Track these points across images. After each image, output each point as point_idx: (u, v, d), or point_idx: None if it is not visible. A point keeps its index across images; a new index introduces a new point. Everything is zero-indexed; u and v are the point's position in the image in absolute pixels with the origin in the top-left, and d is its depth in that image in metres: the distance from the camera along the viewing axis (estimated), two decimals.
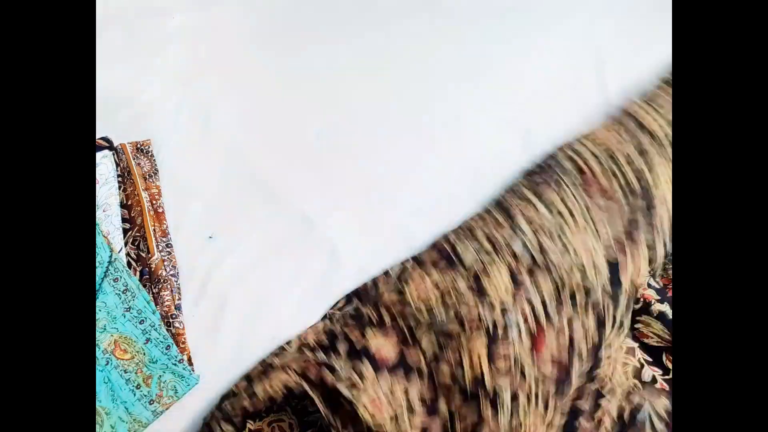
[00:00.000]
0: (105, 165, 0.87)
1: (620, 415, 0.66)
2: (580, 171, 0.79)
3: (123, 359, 0.71)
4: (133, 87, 1.01)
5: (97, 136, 0.91)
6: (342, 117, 1.00)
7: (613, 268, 0.71)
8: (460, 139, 0.96)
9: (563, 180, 0.78)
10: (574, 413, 0.65)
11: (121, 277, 0.76)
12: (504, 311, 0.68)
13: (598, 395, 0.66)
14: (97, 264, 0.76)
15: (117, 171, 0.88)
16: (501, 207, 0.79)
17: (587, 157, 0.80)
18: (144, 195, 0.87)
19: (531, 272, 0.70)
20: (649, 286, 0.72)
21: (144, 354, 0.72)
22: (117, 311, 0.74)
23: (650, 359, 0.69)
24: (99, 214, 0.82)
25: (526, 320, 0.68)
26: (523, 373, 0.65)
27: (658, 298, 0.71)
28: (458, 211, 0.87)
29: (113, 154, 0.89)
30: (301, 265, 0.83)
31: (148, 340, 0.73)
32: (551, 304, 0.68)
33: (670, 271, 0.75)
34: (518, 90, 1.02)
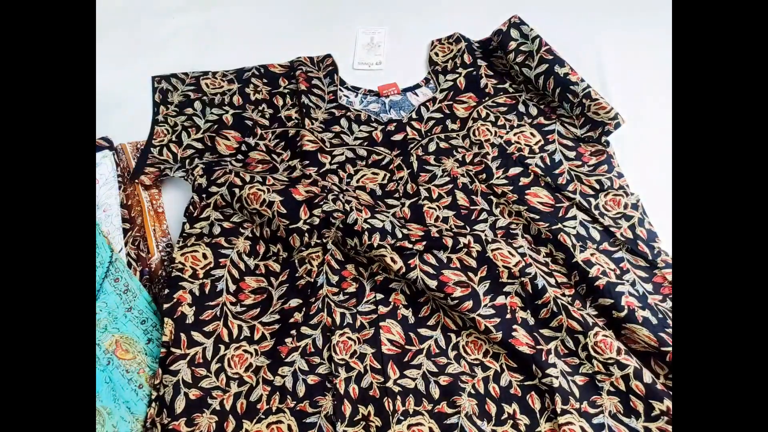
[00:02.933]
0: (105, 165, 0.87)
1: None
2: None
3: (125, 359, 0.72)
4: (134, 87, 1.01)
5: (97, 136, 0.91)
6: None
7: None
8: None
9: None
10: None
11: (122, 278, 0.76)
12: None
13: None
14: (97, 264, 0.76)
15: (117, 171, 0.88)
16: None
17: None
18: (144, 195, 0.87)
19: None
20: (631, 294, 0.72)
21: (146, 354, 0.72)
22: (118, 311, 0.74)
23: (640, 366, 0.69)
24: (99, 214, 0.83)
25: None
26: None
27: (640, 305, 0.71)
28: None
29: (113, 154, 0.89)
30: None
31: (149, 340, 0.74)
32: None
33: (662, 273, 0.75)
34: None
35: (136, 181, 0.87)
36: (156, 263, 0.81)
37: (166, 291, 0.75)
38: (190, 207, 0.83)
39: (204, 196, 0.83)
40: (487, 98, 0.92)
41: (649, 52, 1.01)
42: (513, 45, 0.92)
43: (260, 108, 0.94)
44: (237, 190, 0.82)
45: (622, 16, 1.07)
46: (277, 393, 0.70)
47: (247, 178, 0.82)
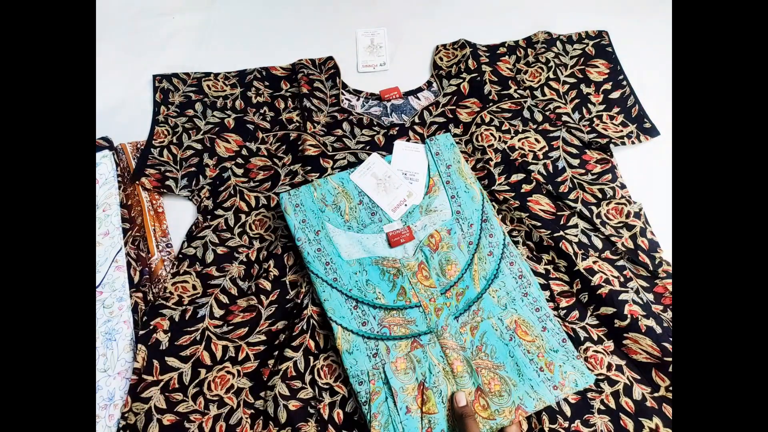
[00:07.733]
0: (105, 165, 0.87)
1: None
2: None
3: (525, 340, 0.70)
4: (134, 87, 1.01)
5: (97, 136, 0.91)
6: None
7: None
8: None
9: None
10: None
11: (515, 262, 0.75)
12: None
13: None
14: (494, 244, 0.76)
15: (117, 171, 0.88)
16: None
17: None
18: (144, 195, 0.86)
19: None
20: (635, 302, 0.72)
21: (543, 340, 0.70)
22: (516, 293, 0.73)
23: (638, 377, 0.69)
24: (99, 214, 0.82)
25: None
26: None
27: (644, 313, 0.70)
28: None
29: (113, 154, 0.89)
30: None
31: (544, 328, 0.71)
32: None
33: (664, 282, 0.75)
34: None
35: (137, 182, 0.87)
36: (156, 263, 0.81)
37: (144, 318, 0.75)
38: (193, 227, 0.83)
39: (209, 217, 0.83)
40: (491, 104, 0.92)
41: (649, 53, 1.01)
42: (553, 53, 0.97)
43: (261, 111, 0.94)
44: (243, 216, 0.83)
45: (623, 19, 1.07)
46: (261, 418, 0.69)
47: (253, 202, 0.84)
